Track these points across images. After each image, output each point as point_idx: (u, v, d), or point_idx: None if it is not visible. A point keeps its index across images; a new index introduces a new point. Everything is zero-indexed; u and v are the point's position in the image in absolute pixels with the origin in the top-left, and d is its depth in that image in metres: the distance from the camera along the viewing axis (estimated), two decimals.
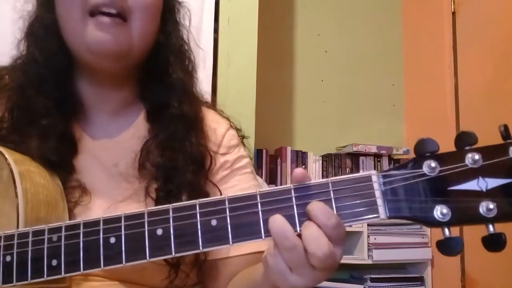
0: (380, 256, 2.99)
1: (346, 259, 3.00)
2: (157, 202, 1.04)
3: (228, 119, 1.27)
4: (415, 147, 0.74)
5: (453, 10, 3.13)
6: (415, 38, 3.57)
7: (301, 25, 3.56)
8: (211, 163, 1.13)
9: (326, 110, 3.50)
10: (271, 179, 3.10)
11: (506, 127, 0.71)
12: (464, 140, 0.72)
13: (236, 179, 1.17)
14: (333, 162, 3.29)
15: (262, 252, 1.07)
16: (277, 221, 0.74)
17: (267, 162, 3.11)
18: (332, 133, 3.47)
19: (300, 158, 3.22)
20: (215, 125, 1.21)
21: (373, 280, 2.99)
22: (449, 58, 3.13)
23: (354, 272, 3.07)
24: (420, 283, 3.05)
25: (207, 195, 1.09)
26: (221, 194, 1.12)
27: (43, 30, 1.11)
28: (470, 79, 2.97)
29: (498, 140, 0.72)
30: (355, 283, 3.00)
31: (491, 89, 2.76)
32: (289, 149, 3.19)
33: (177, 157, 1.08)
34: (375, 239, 3.00)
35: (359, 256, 3.00)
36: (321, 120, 3.48)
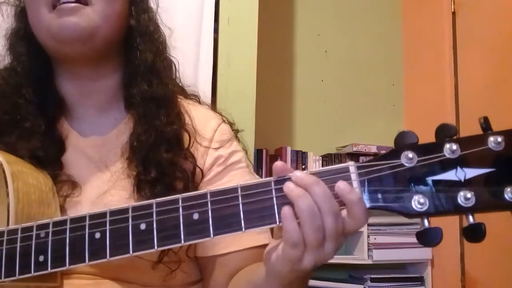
0: (380, 256, 2.99)
1: (346, 259, 3.01)
2: (138, 187, 1.06)
3: (220, 113, 1.27)
4: (395, 139, 0.74)
5: (453, 10, 3.13)
6: (415, 38, 3.56)
7: (301, 25, 3.56)
8: (189, 141, 1.13)
9: (326, 110, 3.50)
10: None
11: (486, 119, 0.72)
12: (444, 131, 0.73)
13: (231, 175, 1.17)
14: (333, 162, 3.28)
15: (258, 247, 1.08)
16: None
17: (267, 162, 3.11)
18: (332, 133, 3.46)
19: (300, 158, 3.21)
20: (206, 121, 1.21)
21: (373, 280, 2.99)
22: (449, 58, 3.13)
23: (354, 272, 3.07)
24: (420, 283, 3.05)
25: (186, 172, 1.09)
26: (202, 176, 1.13)
27: (18, 39, 1.17)
28: (470, 79, 2.97)
29: None
30: (355, 283, 3.00)
31: (491, 89, 2.76)
32: (289, 149, 3.19)
33: (148, 138, 1.10)
34: (375, 239, 3.00)
35: (359, 256, 3.00)
36: (321, 120, 3.48)
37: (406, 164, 0.72)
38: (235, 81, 2.50)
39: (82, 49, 1.09)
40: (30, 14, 1.10)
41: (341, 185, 0.74)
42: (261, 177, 2.86)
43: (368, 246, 2.99)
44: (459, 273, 2.87)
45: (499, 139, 0.69)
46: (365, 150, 3.23)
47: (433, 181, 0.70)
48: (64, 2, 1.04)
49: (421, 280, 3.05)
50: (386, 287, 2.98)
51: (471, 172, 0.69)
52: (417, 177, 0.72)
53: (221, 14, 2.55)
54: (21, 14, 1.16)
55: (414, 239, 2.42)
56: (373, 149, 3.24)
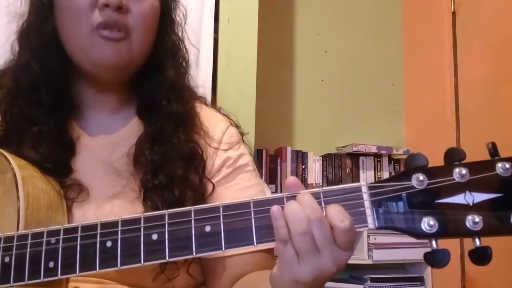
0: (380, 256, 2.99)
1: None
2: (145, 196, 1.06)
3: (228, 116, 1.28)
4: (405, 161, 0.76)
5: (453, 10, 3.13)
6: (415, 38, 3.57)
7: (301, 25, 3.57)
8: (201, 158, 1.14)
9: (326, 110, 3.51)
10: (271, 179, 3.10)
11: (494, 145, 0.73)
12: (453, 155, 0.74)
13: (239, 178, 1.18)
14: (333, 162, 3.29)
15: (262, 251, 1.09)
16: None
17: (267, 162, 3.11)
18: (332, 133, 3.47)
19: (300, 158, 3.22)
20: (215, 123, 1.22)
21: (373, 280, 2.99)
22: (449, 58, 3.13)
23: (354, 272, 3.07)
24: (420, 283, 3.05)
25: (196, 189, 1.10)
26: (214, 188, 1.14)
27: (42, 39, 1.13)
28: (470, 79, 2.98)
29: (497, 140, 0.74)
30: (355, 283, 3.00)
31: (490, 89, 2.76)
32: (289, 149, 3.19)
33: (164, 153, 1.10)
34: (375, 239, 2.99)
35: (359, 256, 3.00)
36: (321, 120, 3.49)
37: (417, 186, 0.74)
38: (235, 81, 2.50)
39: (116, 75, 1.12)
40: (68, 28, 1.09)
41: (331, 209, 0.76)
42: (261, 177, 2.86)
43: (368, 246, 2.98)
44: (459, 273, 2.88)
45: (507, 165, 0.71)
46: (365, 150, 3.23)
47: (443, 204, 0.72)
48: (107, 29, 1.05)
49: (421, 280, 3.05)
50: (386, 287, 2.98)
51: (479, 197, 0.71)
52: (427, 200, 0.73)
53: (221, 14, 2.54)
54: (46, 9, 1.12)
55: (414, 239, 2.43)
56: (373, 149, 3.24)
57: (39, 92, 1.12)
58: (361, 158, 3.31)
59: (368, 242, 2.98)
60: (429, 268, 3.04)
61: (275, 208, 0.76)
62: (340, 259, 0.77)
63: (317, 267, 0.76)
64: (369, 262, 2.98)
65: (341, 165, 3.29)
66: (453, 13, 3.13)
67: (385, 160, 3.33)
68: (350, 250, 0.77)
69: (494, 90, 2.74)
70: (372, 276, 2.99)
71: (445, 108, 3.12)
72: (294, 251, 0.76)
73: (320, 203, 0.77)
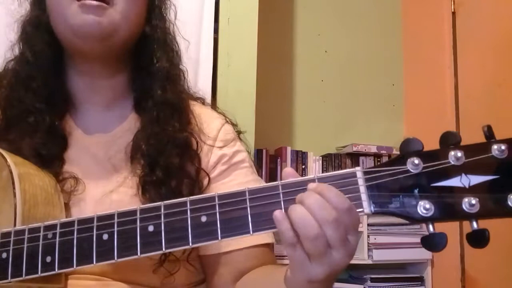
0: (380, 256, 2.98)
1: None
2: (144, 188, 1.07)
3: (223, 114, 1.29)
4: (400, 146, 0.76)
5: (453, 10, 3.13)
6: (415, 38, 3.56)
7: (301, 25, 3.56)
8: (197, 147, 1.15)
9: (326, 110, 3.49)
10: (271, 179, 3.07)
11: (489, 127, 0.73)
12: (448, 139, 0.74)
13: (234, 174, 1.19)
14: (333, 162, 3.28)
15: (260, 245, 1.09)
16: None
17: (267, 162, 3.10)
18: (332, 133, 3.46)
19: (300, 158, 3.20)
20: (210, 120, 1.23)
21: (373, 280, 2.98)
22: (449, 58, 3.12)
23: (354, 272, 3.06)
24: (420, 283, 3.04)
25: (193, 179, 1.11)
26: (209, 180, 1.15)
27: (34, 28, 1.16)
28: (470, 79, 2.97)
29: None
30: (355, 283, 2.99)
31: (490, 89, 2.76)
32: (289, 149, 3.18)
33: (160, 141, 1.11)
34: (375, 239, 2.99)
35: (359, 256, 2.98)
36: (321, 120, 3.47)
37: (412, 170, 0.74)
38: (235, 81, 2.49)
39: (100, 47, 1.11)
40: (51, 4, 1.11)
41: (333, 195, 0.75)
42: (261, 177, 2.86)
43: (368, 246, 2.97)
44: (459, 273, 2.88)
45: (503, 147, 0.71)
46: (365, 150, 3.23)
47: (439, 187, 0.72)
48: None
49: (421, 280, 3.04)
50: (386, 287, 2.97)
51: (475, 179, 0.70)
52: (422, 183, 0.73)
53: (221, 14, 2.54)
54: (39, 1, 1.16)
55: (414, 239, 2.42)
56: (373, 149, 3.24)
57: (34, 83, 1.13)
58: (361, 158, 3.30)
59: (368, 242, 2.98)
60: (429, 268, 3.04)
61: (277, 212, 0.75)
62: (352, 248, 0.77)
63: (331, 263, 0.76)
64: (369, 262, 2.97)
65: (341, 165, 3.28)
66: (453, 13, 3.13)
67: (385, 160, 3.31)
68: (357, 232, 0.77)
69: (494, 90, 2.74)
70: (372, 276, 2.99)
71: (445, 108, 3.12)
72: (305, 253, 0.75)
73: None
